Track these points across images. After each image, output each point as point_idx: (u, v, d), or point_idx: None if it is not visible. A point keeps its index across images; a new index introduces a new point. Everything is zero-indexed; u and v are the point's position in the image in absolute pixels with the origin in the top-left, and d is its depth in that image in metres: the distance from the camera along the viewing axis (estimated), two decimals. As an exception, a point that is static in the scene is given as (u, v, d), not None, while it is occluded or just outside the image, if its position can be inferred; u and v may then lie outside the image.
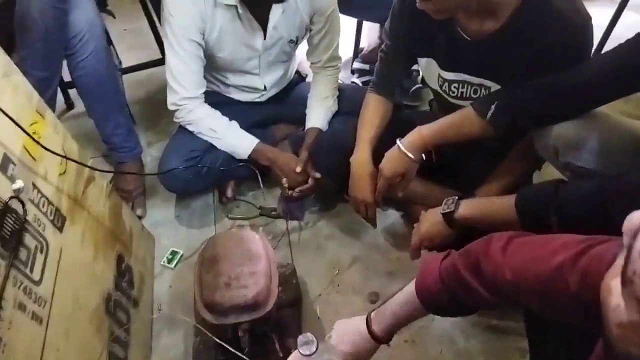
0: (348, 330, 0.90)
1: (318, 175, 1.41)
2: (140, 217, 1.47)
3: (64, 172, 0.99)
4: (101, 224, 1.11)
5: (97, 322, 0.98)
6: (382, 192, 1.22)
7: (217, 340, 0.92)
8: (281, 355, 1.08)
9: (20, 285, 0.75)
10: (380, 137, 1.28)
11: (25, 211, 0.81)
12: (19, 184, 0.80)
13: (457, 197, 1.03)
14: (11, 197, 0.78)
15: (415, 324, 1.20)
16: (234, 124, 1.42)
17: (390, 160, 1.16)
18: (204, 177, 1.42)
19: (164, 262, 1.38)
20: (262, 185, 1.40)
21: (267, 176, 1.53)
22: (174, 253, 1.40)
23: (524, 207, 0.88)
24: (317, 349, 0.58)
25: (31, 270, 0.79)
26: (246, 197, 1.56)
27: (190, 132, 1.41)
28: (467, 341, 1.17)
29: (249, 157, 1.41)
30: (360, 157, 1.26)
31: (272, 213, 1.49)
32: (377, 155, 1.24)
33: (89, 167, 1.06)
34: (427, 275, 0.77)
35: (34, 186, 0.87)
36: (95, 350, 0.94)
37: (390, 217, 1.49)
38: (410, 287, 0.81)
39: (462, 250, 0.74)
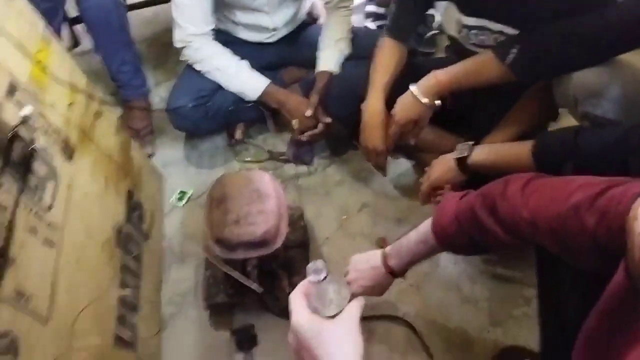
0: (365, 265, 0.92)
1: (328, 120, 1.38)
2: (149, 156, 1.46)
3: (72, 103, 0.98)
4: (110, 158, 1.11)
5: (109, 252, 0.99)
6: (394, 139, 1.19)
7: (228, 270, 0.93)
8: (288, 291, 1.10)
9: (31, 211, 0.75)
10: (394, 83, 1.24)
11: (33, 138, 0.80)
12: (27, 110, 0.79)
13: (471, 142, 1.01)
14: (19, 123, 0.77)
15: (420, 269, 1.23)
16: (244, 63, 1.38)
17: (403, 106, 1.13)
18: (213, 117, 1.40)
19: (173, 200, 1.39)
20: (272, 127, 1.38)
21: (277, 120, 1.51)
22: (183, 192, 1.41)
23: (542, 152, 0.86)
24: (326, 277, 0.57)
25: (41, 197, 0.79)
26: (255, 141, 1.54)
27: (198, 72, 1.38)
28: (473, 288, 1.18)
29: (258, 98, 1.38)
30: (372, 104, 1.23)
31: (281, 157, 1.48)
32: (390, 101, 1.20)
33: (96, 98, 1.04)
34: (443, 215, 0.77)
35: (42, 115, 0.86)
36: (107, 278, 0.96)
37: (401, 165, 1.47)
38: (426, 226, 0.80)
39: (479, 191, 0.73)
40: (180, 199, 1.39)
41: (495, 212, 0.67)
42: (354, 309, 0.56)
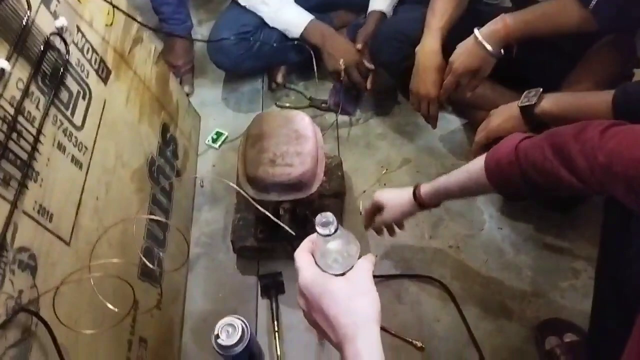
0: (394, 197, 0.96)
1: (372, 66, 1.30)
2: (187, 95, 1.42)
3: (111, 23, 0.93)
4: (147, 88, 1.07)
5: (139, 182, 0.96)
6: (449, 89, 1.10)
7: (261, 209, 0.88)
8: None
9: (60, 126, 0.72)
10: (452, 29, 1.14)
11: (68, 51, 0.76)
12: (62, 21, 0.75)
13: (540, 89, 0.91)
14: (53, 33, 0.73)
15: (461, 231, 1.15)
16: None
17: (464, 53, 1.03)
18: (255, 55, 1.33)
19: (208, 141, 1.35)
20: (315, 70, 1.30)
21: (321, 68, 1.43)
22: (218, 134, 1.36)
23: (625, 101, 0.76)
24: (336, 231, 0.49)
25: (72, 114, 0.76)
26: (296, 86, 1.47)
27: (243, 7, 1.31)
28: (517, 255, 1.10)
29: (301, 35, 1.30)
30: (428, 47, 1.13)
31: (323, 105, 1.41)
32: (446, 49, 1.11)
33: (137, 21, 0.99)
34: (501, 148, 0.71)
35: (78, 29, 0.81)
36: (135, 208, 0.93)
37: (452, 123, 1.37)
38: (476, 162, 0.76)
39: (549, 130, 0.65)
40: (215, 140, 1.35)
41: (564, 153, 0.60)
42: (366, 264, 0.51)
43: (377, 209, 1.00)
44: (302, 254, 0.53)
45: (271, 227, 1.05)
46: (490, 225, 1.16)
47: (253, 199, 0.95)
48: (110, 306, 0.69)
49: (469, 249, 1.13)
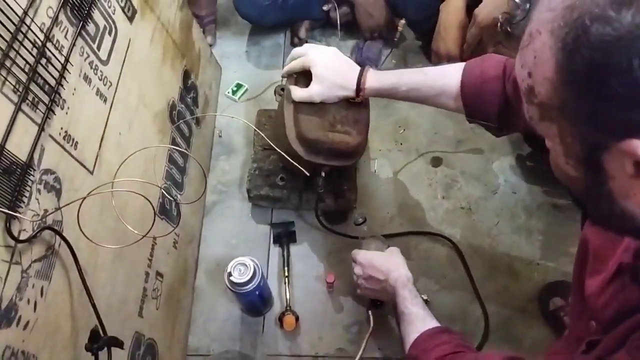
0: (337, 57, 0.88)
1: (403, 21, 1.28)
2: (210, 46, 1.42)
3: (137, -38, 0.93)
4: (170, 33, 1.07)
5: (160, 124, 0.98)
6: (472, 44, 1.08)
7: (291, 160, 0.89)
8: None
9: (86, 58, 0.74)
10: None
11: (95, -15, 0.77)
12: (90, -46, 0.76)
13: None
14: (82, -35, 0.74)
15: (475, 194, 1.16)
16: None
17: (491, 3, 1.01)
18: (280, 6, 1.32)
19: (228, 92, 1.36)
20: (339, 26, 1.29)
21: (344, 23, 1.42)
22: (239, 85, 1.37)
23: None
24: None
25: (98, 48, 0.77)
26: (319, 42, 1.47)
27: (270, -43, 1.30)
28: (529, 219, 1.11)
29: None
30: (453, 3, 1.11)
31: (345, 62, 1.40)
32: (473, 5, 1.09)
33: (163, -37, 0.99)
34: (490, 60, 0.75)
35: (106, -35, 0.82)
36: (157, 150, 0.96)
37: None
38: (440, 68, 0.80)
39: None
40: (235, 92, 1.36)
41: None
42: (395, 248, 0.97)
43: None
44: (357, 250, 0.98)
45: (292, 178, 1.06)
46: (504, 189, 1.16)
47: (291, 155, 0.93)
48: (129, 227, 0.72)
49: (481, 211, 1.13)
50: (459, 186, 1.17)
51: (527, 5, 0.97)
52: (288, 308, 1.00)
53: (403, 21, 1.29)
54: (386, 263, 0.90)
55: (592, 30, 0.33)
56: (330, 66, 0.86)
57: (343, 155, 0.93)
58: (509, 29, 0.92)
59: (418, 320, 0.79)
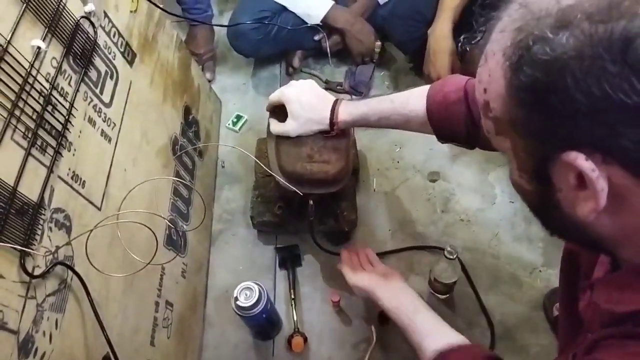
0: (312, 91, 0.92)
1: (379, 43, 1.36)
2: (209, 81, 1.48)
3: (135, 10, 0.99)
4: (170, 73, 1.13)
5: (164, 159, 1.02)
6: (461, 71, 1.13)
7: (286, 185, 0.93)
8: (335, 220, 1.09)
9: (90, 102, 0.79)
10: (465, 8, 1.17)
11: (96, 34, 0.82)
12: (90, 6, 0.81)
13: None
14: (83, 17, 0.79)
15: (474, 205, 1.18)
16: None
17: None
18: (273, 39, 1.39)
19: (228, 124, 1.41)
20: (329, 54, 1.35)
21: (335, 52, 1.48)
22: (238, 117, 1.42)
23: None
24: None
25: (101, 92, 0.82)
26: (313, 70, 1.52)
27: (262, -6, 1.36)
28: (528, 226, 1.13)
29: (324, 20, 1.35)
30: (440, 29, 1.16)
31: (338, 87, 1.45)
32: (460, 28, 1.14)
33: (159, 7, 1.06)
34: (449, 84, 0.76)
35: (105, 14, 0.88)
36: (161, 183, 1.00)
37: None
38: (405, 95, 0.82)
39: None
40: (235, 123, 1.41)
41: None
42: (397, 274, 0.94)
43: None
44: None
45: (289, 205, 1.10)
46: (502, 199, 1.19)
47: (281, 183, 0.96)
48: (134, 256, 0.75)
49: (481, 222, 1.16)
50: (457, 199, 1.20)
51: (484, 27, 1.01)
52: (296, 330, 1.02)
53: (379, 43, 1.35)
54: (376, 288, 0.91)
55: (533, 50, 0.36)
56: (305, 102, 0.89)
57: (325, 184, 0.95)
58: (467, 49, 0.96)
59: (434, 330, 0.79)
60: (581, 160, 0.36)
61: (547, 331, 1.00)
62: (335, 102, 0.90)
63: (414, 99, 0.81)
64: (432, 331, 0.79)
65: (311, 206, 0.99)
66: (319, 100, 0.91)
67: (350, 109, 0.89)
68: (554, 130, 0.37)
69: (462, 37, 0.98)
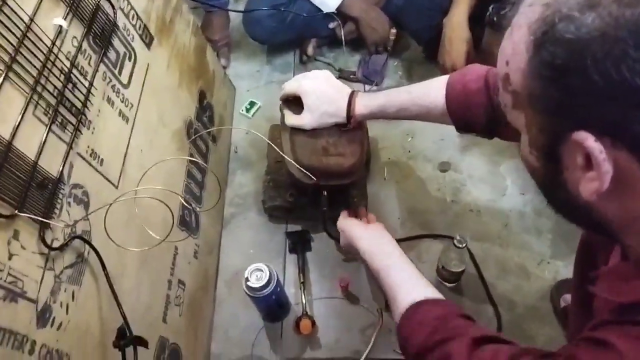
0: (328, 83, 0.92)
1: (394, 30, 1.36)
2: (224, 67, 1.50)
3: (153, -6, 1.01)
4: (186, 58, 1.14)
5: (179, 142, 1.04)
6: (475, 60, 1.13)
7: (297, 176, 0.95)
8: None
9: (109, 82, 0.80)
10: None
11: (115, 15, 0.84)
12: (110, -12, 0.83)
13: None
14: (103, -1, 0.81)
15: (484, 196, 1.19)
16: None
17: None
18: (288, 27, 1.39)
19: (242, 110, 1.43)
20: (343, 42, 1.35)
21: (349, 40, 1.48)
22: (252, 103, 1.44)
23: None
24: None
25: (120, 72, 0.84)
26: (327, 59, 1.53)
27: (278, -20, 1.37)
28: (538, 218, 1.13)
29: (340, 8, 1.35)
30: (455, 18, 1.16)
31: (352, 76, 1.46)
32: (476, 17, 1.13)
33: (176, -7, 1.07)
34: (470, 73, 0.77)
35: (125, -3, 0.89)
36: (176, 165, 1.02)
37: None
38: (425, 85, 0.83)
39: None
40: (249, 109, 1.43)
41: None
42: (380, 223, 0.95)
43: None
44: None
45: (302, 193, 1.11)
46: (512, 191, 1.19)
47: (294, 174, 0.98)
48: (149, 231, 0.77)
49: (490, 213, 1.16)
50: (467, 190, 1.20)
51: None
52: (304, 313, 1.04)
53: (394, 30, 1.35)
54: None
55: (558, 27, 0.36)
56: (321, 95, 0.90)
57: (339, 177, 0.96)
58: (494, 20, 0.96)
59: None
60: (590, 141, 0.36)
61: (553, 322, 1.00)
62: (352, 95, 0.89)
63: (433, 90, 0.81)
64: (408, 279, 0.77)
65: (324, 197, 1.00)
66: (336, 92, 0.91)
67: (367, 102, 0.89)
68: (569, 109, 0.37)
69: (491, 6, 0.97)
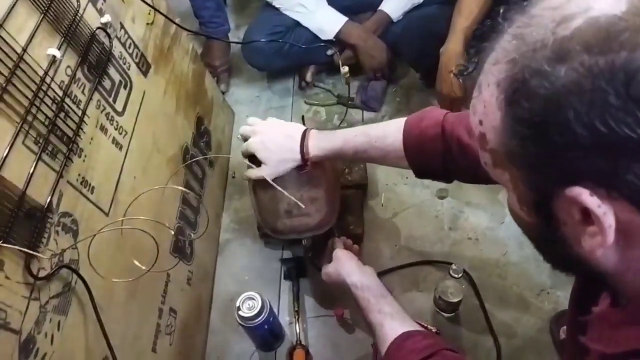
0: (277, 131, 0.93)
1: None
2: (223, 93, 1.51)
3: (152, 22, 1.02)
4: (184, 84, 1.16)
5: (174, 168, 1.04)
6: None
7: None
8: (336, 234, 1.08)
9: (102, 110, 0.81)
10: (477, 28, 1.17)
11: (111, 44, 0.85)
12: (107, 18, 0.84)
13: None
14: (99, 28, 0.82)
15: (482, 224, 1.17)
16: (323, 0, 1.38)
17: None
18: (286, 54, 1.41)
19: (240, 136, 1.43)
20: (341, 69, 1.35)
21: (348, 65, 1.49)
22: (251, 128, 1.44)
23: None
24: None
25: (114, 100, 0.85)
26: (325, 85, 1.54)
27: (275, 9, 1.39)
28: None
29: (337, 36, 1.37)
30: (452, 48, 1.17)
31: (350, 102, 1.46)
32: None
33: (174, 22, 1.08)
34: (427, 118, 0.75)
35: (122, 26, 0.90)
36: (170, 191, 1.01)
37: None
38: (380, 128, 0.82)
39: None
40: (247, 134, 1.43)
41: None
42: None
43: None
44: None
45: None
46: (511, 219, 1.16)
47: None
48: (137, 263, 0.76)
49: (489, 241, 1.14)
50: (465, 217, 1.19)
51: (477, 59, 1.02)
52: (298, 342, 1.02)
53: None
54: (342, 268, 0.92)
55: (531, 83, 0.34)
56: (272, 146, 0.91)
57: (309, 231, 0.98)
58: (460, 81, 0.97)
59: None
60: (586, 196, 0.34)
61: (553, 354, 0.97)
62: (304, 136, 0.89)
63: (391, 134, 0.80)
64: (397, 315, 0.78)
65: (304, 246, 1.02)
66: (287, 138, 0.91)
67: (322, 144, 0.89)
68: (554, 164, 0.36)
69: (454, 67, 0.99)
